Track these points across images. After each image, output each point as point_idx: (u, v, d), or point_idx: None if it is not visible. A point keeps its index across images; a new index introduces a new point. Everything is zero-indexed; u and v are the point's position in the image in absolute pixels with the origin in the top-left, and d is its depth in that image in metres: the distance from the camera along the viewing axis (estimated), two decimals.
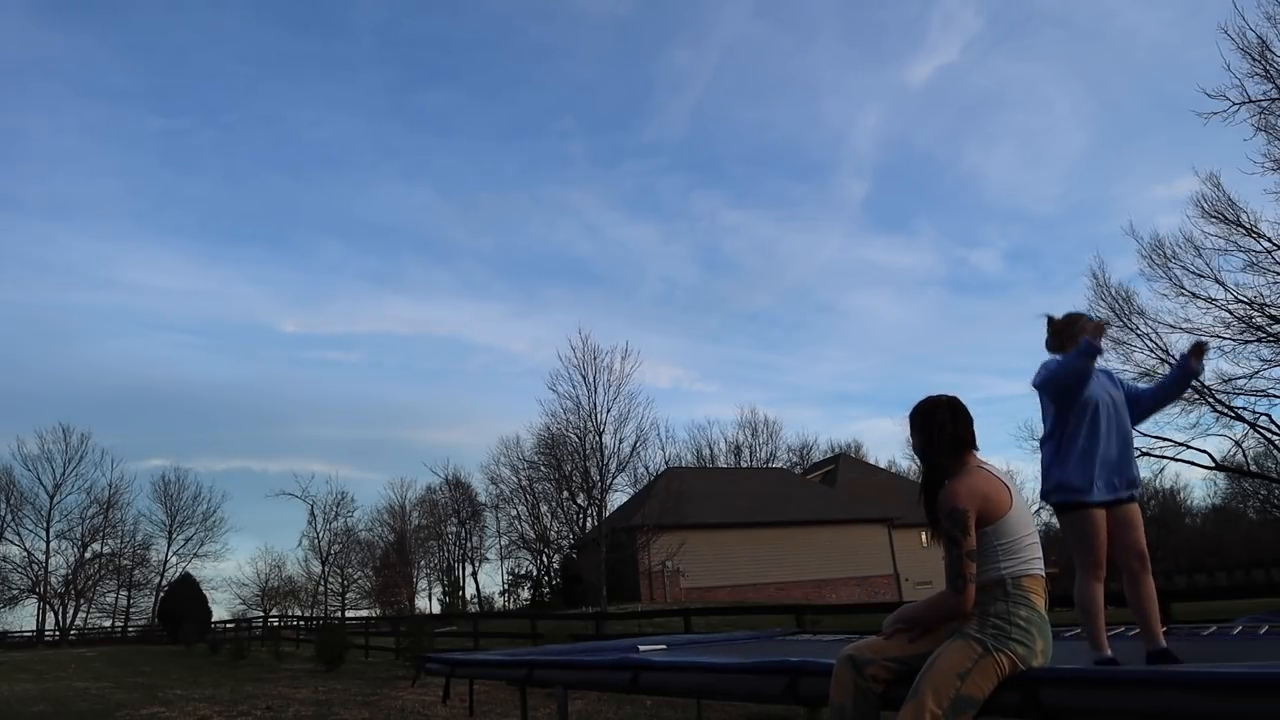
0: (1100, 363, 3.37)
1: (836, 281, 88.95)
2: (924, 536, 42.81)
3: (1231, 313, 20.13)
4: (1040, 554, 2.70)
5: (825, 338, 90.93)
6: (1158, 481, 54.07)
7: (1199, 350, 3.52)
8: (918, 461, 2.84)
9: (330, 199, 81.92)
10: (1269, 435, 21.77)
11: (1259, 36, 17.45)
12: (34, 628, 44.06)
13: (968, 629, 2.56)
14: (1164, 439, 22.52)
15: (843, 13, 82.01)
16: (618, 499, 34.88)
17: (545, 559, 43.20)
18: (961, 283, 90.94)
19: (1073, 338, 3.47)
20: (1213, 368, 20.20)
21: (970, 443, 2.75)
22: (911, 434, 2.82)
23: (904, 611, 2.81)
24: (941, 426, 2.73)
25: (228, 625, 38.07)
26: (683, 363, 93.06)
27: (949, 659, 2.49)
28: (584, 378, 28.46)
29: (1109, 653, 3.15)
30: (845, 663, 2.65)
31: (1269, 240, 19.16)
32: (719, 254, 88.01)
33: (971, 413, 2.82)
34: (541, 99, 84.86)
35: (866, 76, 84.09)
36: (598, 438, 28.35)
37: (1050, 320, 3.65)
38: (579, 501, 32.01)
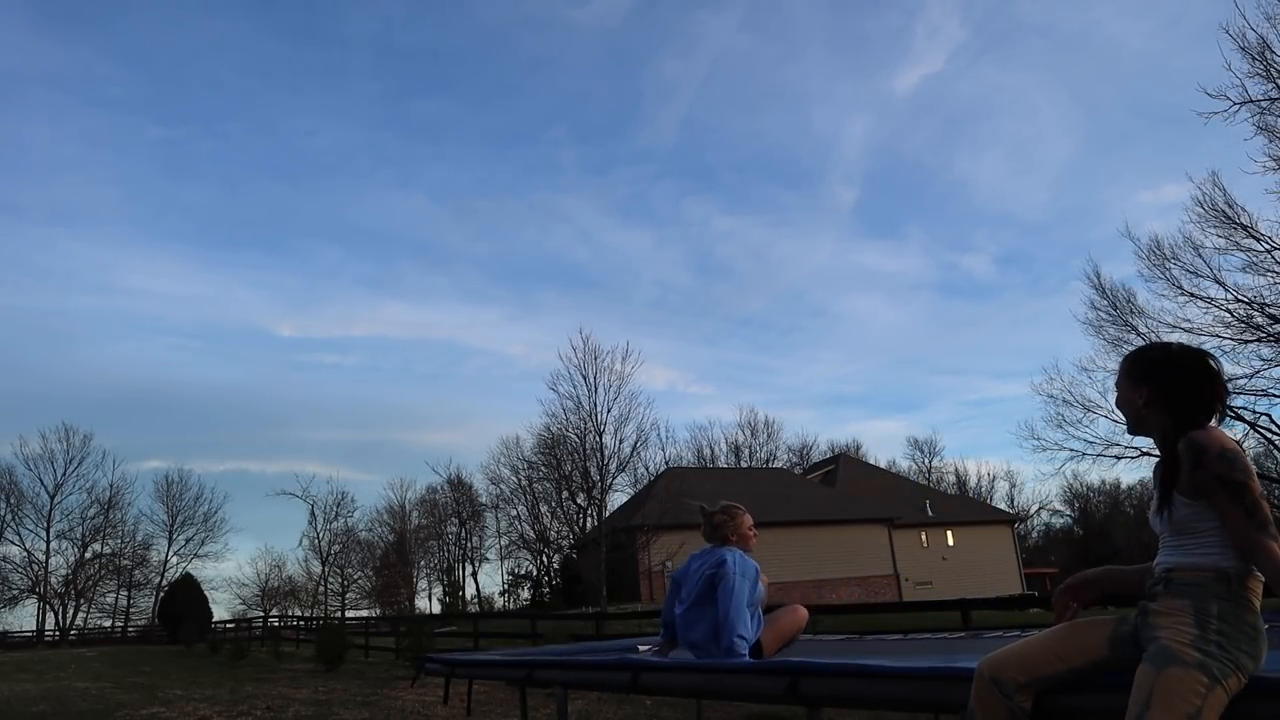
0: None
1: (829, 286, 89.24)
2: (924, 536, 42.84)
3: (1231, 312, 20.13)
4: None
5: (820, 341, 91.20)
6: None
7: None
8: (1148, 415, 2.25)
9: (327, 206, 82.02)
10: (1269, 435, 21.76)
11: (1260, 36, 17.49)
12: (34, 628, 44.03)
13: (1177, 640, 1.98)
14: None
15: (828, 24, 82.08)
16: (618, 499, 34.98)
17: (545, 559, 43.24)
18: (954, 287, 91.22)
19: (734, 531, 3.66)
20: None
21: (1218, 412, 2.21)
22: (1155, 382, 2.24)
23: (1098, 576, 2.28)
24: (1215, 388, 2.18)
25: (228, 625, 38.12)
26: (678, 365, 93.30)
27: (1169, 698, 1.90)
28: (585, 378, 28.56)
29: None
30: (992, 688, 2.17)
31: (1269, 240, 19.18)
32: (712, 259, 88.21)
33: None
34: (534, 108, 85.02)
35: (854, 86, 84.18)
36: (598, 438, 28.44)
37: (705, 512, 3.74)
38: (579, 501, 32.10)
